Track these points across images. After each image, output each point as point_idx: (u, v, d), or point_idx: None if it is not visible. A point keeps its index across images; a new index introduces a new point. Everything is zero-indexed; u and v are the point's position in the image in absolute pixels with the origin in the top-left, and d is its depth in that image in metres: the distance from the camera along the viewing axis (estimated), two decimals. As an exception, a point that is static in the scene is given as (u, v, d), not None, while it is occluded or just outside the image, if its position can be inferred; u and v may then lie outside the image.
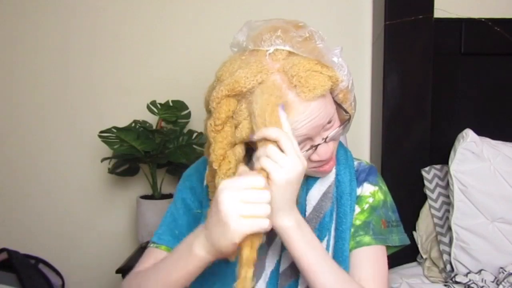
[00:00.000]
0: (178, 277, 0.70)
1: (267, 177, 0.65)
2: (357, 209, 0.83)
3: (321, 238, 0.79)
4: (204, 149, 0.82)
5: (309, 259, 0.70)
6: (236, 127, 0.73)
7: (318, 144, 0.74)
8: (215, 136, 0.71)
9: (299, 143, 0.72)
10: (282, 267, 0.80)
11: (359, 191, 0.84)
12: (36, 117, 1.80)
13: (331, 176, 0.83)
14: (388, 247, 0.84)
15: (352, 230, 0.81)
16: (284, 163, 0.65)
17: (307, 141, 0.75)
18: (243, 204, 0.61)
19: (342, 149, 0.88)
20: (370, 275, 0.77)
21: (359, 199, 0.84)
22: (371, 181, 0.85)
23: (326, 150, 0.76)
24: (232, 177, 0.69)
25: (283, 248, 0.80)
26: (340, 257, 0.78)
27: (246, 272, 0.64)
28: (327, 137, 0.75)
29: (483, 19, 1.60)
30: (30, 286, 1.58)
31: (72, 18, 1.77)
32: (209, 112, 0.76)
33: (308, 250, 0.70)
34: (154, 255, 0.85)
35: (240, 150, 0.74)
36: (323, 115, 0.72)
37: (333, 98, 0.77)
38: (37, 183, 1.82)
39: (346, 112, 0.79)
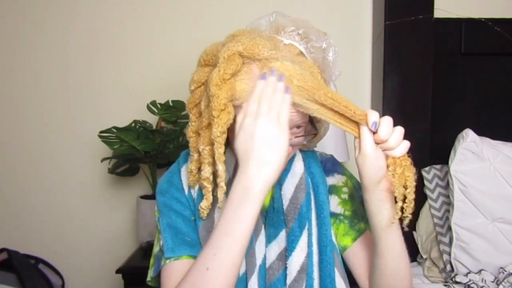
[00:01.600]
0: (243, 232, 0.66)
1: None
2: (336, 199, 0.89)
3: (301, 228, 0.83)
4: (187, 104, 0.81)
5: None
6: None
7: None
8: (220, 85, 0.70)
9: None
10: (269, 262, 0.82)
11: (331, 180, 0.90)
12: (36, 117, 1.80)
13: (301, 169, 0.87)
14: None
15: (347, 221, 0.87)
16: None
17: None
18: (270, 114, 0.67)
19: None
20: None
21: (334, 189, 0.89)
22: (339, 171, 0.92)
23: None
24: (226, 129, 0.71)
25: (267, 243, 0.83)
26: (324, 241, 0.83)
27: None
28: (290, 139, 0.76)
29: (483, 19, 1.60)
30: (30, 286, 1.58)
31: (72, 18, 1.77)
32: (206, 65, 0.80)
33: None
34: (177, 269, 0.78)
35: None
36: (300, 116, 0.75)
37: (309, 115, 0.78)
38: (37, 183, 1.82)
39: (316, 128, 0.84)
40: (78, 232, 1.83)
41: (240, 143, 0.68)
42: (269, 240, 0.83)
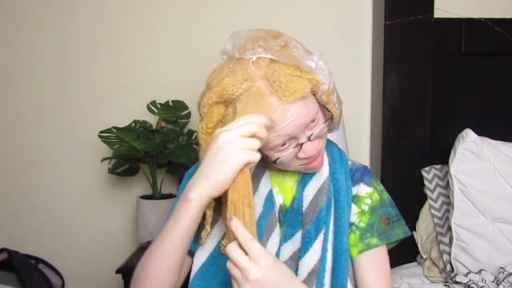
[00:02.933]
0: (177, 231, 0.74)
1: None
2: (355, 208, 0.88)
3: (317, 231, 0.83)
4: (199, 155, 0.85)
5: None
6: None
7: (303, 143, 0.79)
8: (206, 138, 0.78)
9: (284, 143, 0.78)
10: (281, 260, 0.83)
11: (355, 190, 0.89)
12: (36, 117, 1.80)
13: (325, 173, 0.88)
14: (387, 244, 0.88)
15: (359, 233, 0.86)
16: (249, 275, 0.64)
17: (292, 140, 0.79)
18: (241, 138, 0.69)
19: (337, 150, 0.93)
20: (378, 278, 0.83)
21: (356, 198, 0.88)
22: (366, 182, 0.90)
23: (311, 148, 0.80)
24: None
25: (281, 242, 0.84)
26: (340, 249, 0.83)
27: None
28: (311, 135, 0.79)
29: (483, 19, 1.60)
30: (30, 286, 1.58)
31: (72, 18, 1.77)
32: (201, 116, 0.82)
33: None
34: None
35: None
36: (304, 115, 0.77)
37: (317, 99, 0.81)
38: (37, 183, 1.82)
39: (329, 111, 0.84)
40: (78, 232, 1.83)
41: (203, 150, 0.77)
42: (284, 239, 0.84)
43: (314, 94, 0.80)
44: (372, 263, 0.84)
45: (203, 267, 0.86)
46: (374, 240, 0.85)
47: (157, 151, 1.56)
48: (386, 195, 0.92)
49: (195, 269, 0.86)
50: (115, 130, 1.53)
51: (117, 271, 1.46)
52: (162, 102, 1.63)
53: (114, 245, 1.83)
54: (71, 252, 1.83)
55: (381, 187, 0.92)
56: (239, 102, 0.75)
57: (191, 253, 0.88)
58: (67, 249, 1.83)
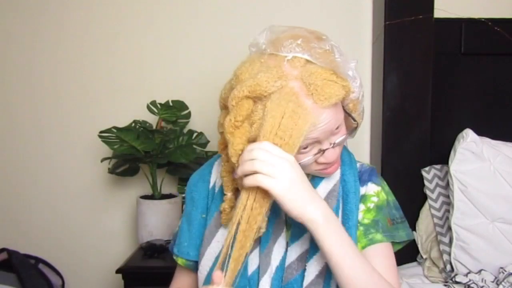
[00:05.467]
0: None
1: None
2: (362, 206, 0.87)
3: None
4: (218, 145, 0.85)
5: (337, 253, 0.73)
6: (251, 125, 0.76)
7: (326, 149, 0.79)
8: (233, 132, 0.75)
9: (307, 146, 0.77)
10: (288, 261, 0.82)
11: (363, 190, 0.88)
12: (36, 117, 1.80)
13: (336, 176, 0.87)
14: (393, 244, 0.88)
15: (363, 228, 0.85)
16: (274, 172, 0.70)
17: (316, 144, 0.78)
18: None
19: (346, 152, 0.93)
20: (383, 269, 0.81)
21: (363, 198, 0.88)
22: (374, 181, 0.89)
23: (332, 154, 0.80)
24: None
25: (289, 243, 0.84)
26: None
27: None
28: (335, 142, 0.79)
29: (483, 19, 1.60)
30: (30, 286, 1.58)
31: (71, 17, 1.77)
32: (225, 108, 0.80)
33: (337, 243, 0.73)
34: (177, 268, 0.98)
35: None
36: (333, 121, 0.76)
37: (343, 106, 0.81)
38: (37, 183, 1.82)
39: (354, 120, 0.83)
40: (78, 232, 1.83)
41: (232, 144, 0.77)
42: (291, 240, 0.84)
43: (341, 101, 0.79)
44: (376, 256, 0.83)
45: (211, 271, 0.86)
46: (378, 236, 0.84)
47: (157, 151, 1.56)
48: (391, 197, 0.91)
49: (204, 273, 0.87)
50: (115, 130, 1.53)
51: (117, 271, 1.46)
52: (162, 102, 1.63)
53: (114, 245, 1.82)
54: (71, 252, 1.83)
55: (388, 188, 0.92)
56: (270, 100, 0.73)
57: (193, 267, 0.91)
58: (67, 249, 1.83)
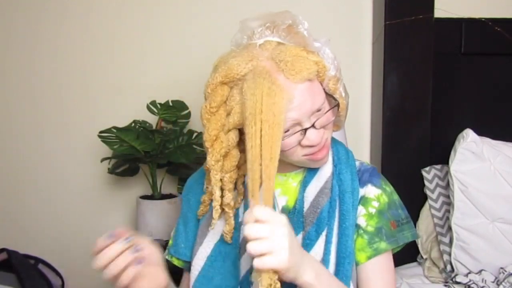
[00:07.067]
0: None
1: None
2: (363, 210, 0.85)
3: (318, 233, 0.82)
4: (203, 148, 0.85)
5: None
6: (228, 113, 0.78)
7: (307, 128, 0.78)
8: (209, 118, 0.78)
9: (288, 129, 0.77)
10: None
11: (362, 191, 0.86)
12: (35, 117, 1.80)
13: (328, 172, 0.86)
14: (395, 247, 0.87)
15: (367, 237, 0.83)
16: (272, 248, 0.65)
17: (297, 126, 0.78)
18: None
19: (343, 149, 0.91)
20: (384, 285, 0.83)
21: (364, 200, 0.86)
22: (375, 184, 0.87)
23: (316, 136, 0.79)
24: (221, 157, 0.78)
25: None
26: (344, 252, 0.80)
27: None
28: (316, 120, 0.78)
29: (483, 19, 1.60)
30: (30, 286, 1.58)
31: (71, 17, 1.77)
32: (205, 96, 0.82)
33: None
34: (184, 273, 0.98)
35: (233, 136, 0.80)
36: (310, 100, 0.76)
37: (324, 89, 0.81)
38: (36, 183, 1.82)
39: (335, 99, 0.83)
40: (78, 232, 1.83)
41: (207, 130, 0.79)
42: None
43: (321, 82, 0.80)
44: (379, 270, 0.82)
45: (202, 271, 0.86)
46: (383, 245, 0.83)
47: (157, 151, 1.56)
48: (395, 196, 0.89)
49: (195, 272, 0.87)
50: (115, 130, 1.53)
51: (117, 271, 1.46)
52: (162, 102, 1.63)
53: (114, 245, 1.82)
54: (71, 252, 1.83)
55: (390, 188, 0.90)
56: (245, 81, 0.75)
57: (187, 267, 0.92)
58: (67, 249, 1.83)
